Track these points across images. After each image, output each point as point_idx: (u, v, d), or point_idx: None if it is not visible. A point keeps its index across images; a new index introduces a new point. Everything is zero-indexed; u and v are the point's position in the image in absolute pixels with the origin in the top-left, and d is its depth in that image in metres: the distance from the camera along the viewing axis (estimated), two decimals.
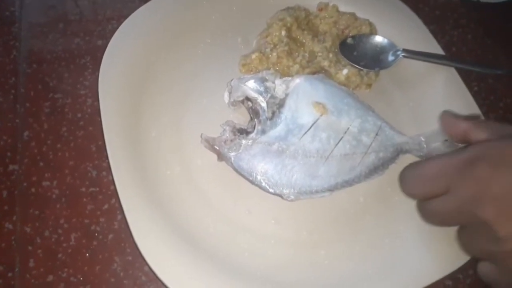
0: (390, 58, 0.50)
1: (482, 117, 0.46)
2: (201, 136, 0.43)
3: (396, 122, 0.46)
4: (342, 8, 0.53)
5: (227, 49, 0.51)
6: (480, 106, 0.47)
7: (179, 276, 0.37)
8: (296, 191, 0.41)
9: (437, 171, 0.36)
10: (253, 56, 0.48)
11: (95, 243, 0.41)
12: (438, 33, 0.54)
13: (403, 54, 0.50)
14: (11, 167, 0.45)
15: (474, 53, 0.56)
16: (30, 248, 0.41)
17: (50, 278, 0.40)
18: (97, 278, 0.40)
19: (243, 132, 0.43)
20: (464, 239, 0.36)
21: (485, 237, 0.33)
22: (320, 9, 0.52)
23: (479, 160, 0.33)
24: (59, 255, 0.41)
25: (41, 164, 0.45)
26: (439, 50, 0.51)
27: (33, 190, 0.44)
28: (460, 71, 0.49)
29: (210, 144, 0.42)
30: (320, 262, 0.40)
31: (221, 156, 0.42)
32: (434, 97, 0.49)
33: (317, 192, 0.41)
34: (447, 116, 0.41)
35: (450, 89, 0.49)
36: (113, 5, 0.57)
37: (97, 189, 0.44)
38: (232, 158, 0.41)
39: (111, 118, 0.43)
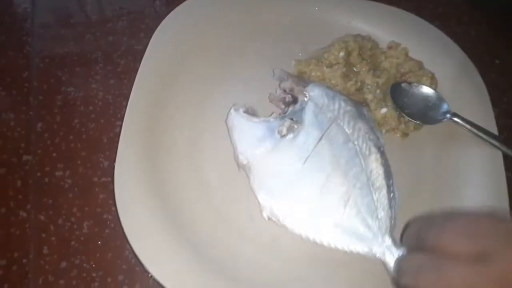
0: (438, 117, 0.48)
1: None
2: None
3: (414, 184, 0.45)
4: (413, 54, 0.52)
5: (283, 51, 0.53)
6: None
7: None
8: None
9: None
10: (312, 60, 0.50)
11: (107, 231, 0.42)
12: (441, 30, 0.55)
13: (452, 117, 0.48)
14: (25, 157, 0.46)
15: (478, 50, 0.56)
16: (44, 235, 0.42)
17: (64, 264, 0.41)
18: (109, 265, 0.41)
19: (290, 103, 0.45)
20: None
21: None
22: (390, 47, 0.53)
23: None
24: (72, 243, 0.42)
25: (54, 154, 0.46)
26: (493, 129, 0.48)
27: (46, 180, 0.45)
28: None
29: (279, 80, 0.47)
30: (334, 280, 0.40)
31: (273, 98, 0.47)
32: (466, 173, 0.46)
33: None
34: None
35: (487, 172, 0.46)
36: (122, 1, 0.58)
37: (109, 179, 0.44)
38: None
39: (137, 109, 0.45)
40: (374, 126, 0.45)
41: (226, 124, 0.44)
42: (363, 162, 0.41)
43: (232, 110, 0.44)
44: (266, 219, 0.41)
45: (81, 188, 0.44)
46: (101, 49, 0.54)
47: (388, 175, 0.42)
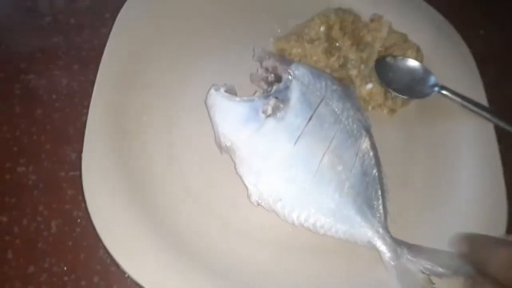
0: (426, 90, 0.46)
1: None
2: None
3: (405, 161, 0.43)
4: (396, 26, 0.49)
5: (261, 28, 0.49)
6: None
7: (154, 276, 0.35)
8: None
9: None
10: (292, 36, 0.47)
11: (78, 229, 0.39)
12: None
13: (440, 90, 0.46)
14: None
15: (462, 21, 0.54)
16: (7, 238, 0.38)
17: (31, 269, 0.37)
18: (82, 267, 0.37)
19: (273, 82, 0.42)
20: None
21: None
22: (372, 20, 0.50)
23: None
24: (40, 244, 0.38)
25: (15, 149, 0.42)
26: (483, 100, 0.46)
27: (7, 177, 0.41)
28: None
29: (260, 59, 0.43)
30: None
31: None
32: (457, 146, 0.44)
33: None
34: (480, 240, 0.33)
35: (479, 145, 0.44)
36: None
37: (78, 172, 0.40)
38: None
39: (103, 96, 0.41)
40: (361, 107, 0.42)
41: (206, 105, 0.41)
42: (355, 144, 0.38)
43: (212, 90, 0.41)
44: (255, 204, 0.38)
45: (47, 184, 0.41)
46: (63, 33, 0.49)
47: (377, 159, 0.40)
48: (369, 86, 0.45)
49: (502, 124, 0.44)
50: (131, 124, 0.41)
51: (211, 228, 0.38)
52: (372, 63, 0.47)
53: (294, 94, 0.40)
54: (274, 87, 0.41)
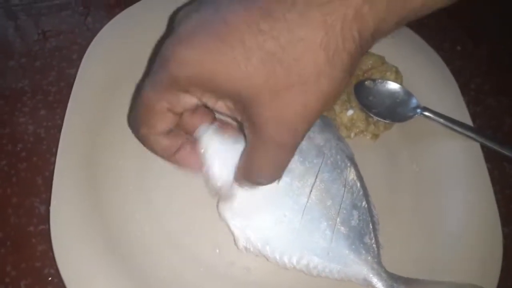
0: (408, 113, 0.45)
1: None
2: None
3: (392, 188, 0.42)
4: (373, 48, 0.48)
5: None
6: None
7: None
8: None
9: None
10: None
11: None
12: None
13: (423, 112, 0.45)
14: None
15: (438, 38, 0.54)
16: None
17: None
18: None
19: None
20: None
21: None
22: None
23: None
24: None
25: None
26: (467, 118, 0.45)
27: None
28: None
29: None
30: None
31: None
32: (444, 168, 0.43)
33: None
34: None
35: (467, 165, 0.43)
36: (50, 21, 0.51)
37: (48, 226, 0.38)
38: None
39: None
40: (341, 136, 0.41)
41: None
42: (341, 176, 0.37)
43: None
44: (244, 250, 0.35)
45: (14, 241, 0.38)
46: (28, 77, 0.47)
47: (365, 189, 0.38)
48: (350, 112, 0.44)
49: (487, 143, 0.43)
50: (103, 170, 0.39)
51: (195, 276, 0.36)
52: (350, 88, 0.46)
53: None
54: None
